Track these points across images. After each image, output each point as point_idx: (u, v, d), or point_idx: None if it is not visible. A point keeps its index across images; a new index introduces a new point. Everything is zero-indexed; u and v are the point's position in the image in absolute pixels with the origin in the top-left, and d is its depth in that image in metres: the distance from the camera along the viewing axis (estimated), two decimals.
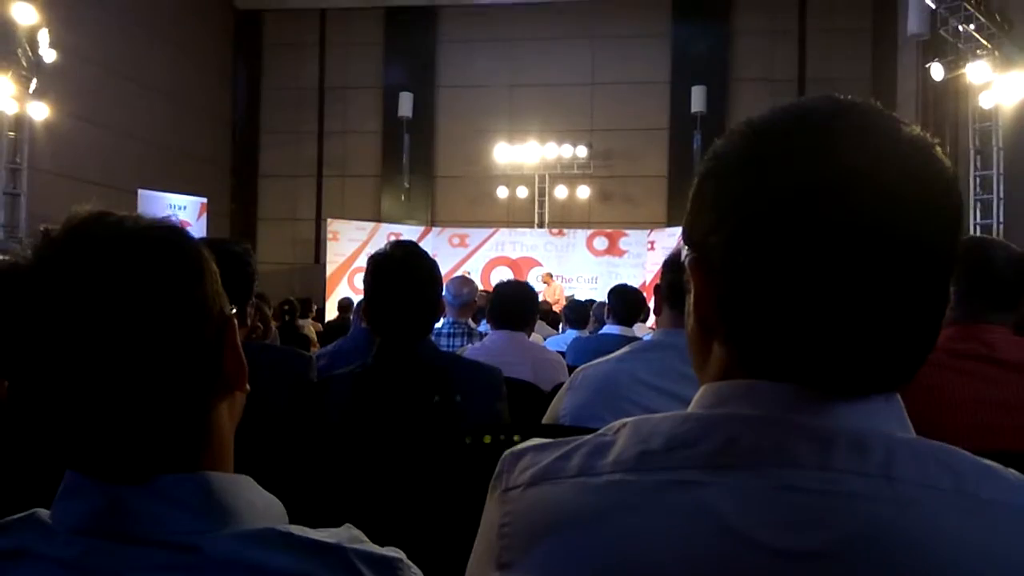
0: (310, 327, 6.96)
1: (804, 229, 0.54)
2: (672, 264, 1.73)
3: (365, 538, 0.69)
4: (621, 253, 12.58)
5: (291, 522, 0.69)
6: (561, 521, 0.57)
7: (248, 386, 0.70)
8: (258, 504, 0.65)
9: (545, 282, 11.77)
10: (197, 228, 11.23)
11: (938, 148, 0.57)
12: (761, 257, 0.56)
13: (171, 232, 0.66)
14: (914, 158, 0.56)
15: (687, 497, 0.55)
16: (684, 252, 0.65)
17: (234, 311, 0.70)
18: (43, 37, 8.29)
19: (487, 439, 1.43)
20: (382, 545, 0.69)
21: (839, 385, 0.56)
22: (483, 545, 0.64)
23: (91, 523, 0.61)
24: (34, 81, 8.44)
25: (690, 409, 0.62)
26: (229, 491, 0.64)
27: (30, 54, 8.33)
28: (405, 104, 13.28)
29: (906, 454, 0.54)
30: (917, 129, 0.58)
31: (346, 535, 0.67)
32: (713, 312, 0.61)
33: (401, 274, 1.74)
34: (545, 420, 1.82)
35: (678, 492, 0.55)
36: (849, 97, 0.59)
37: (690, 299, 0.64)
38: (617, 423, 0.63)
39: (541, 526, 0.58)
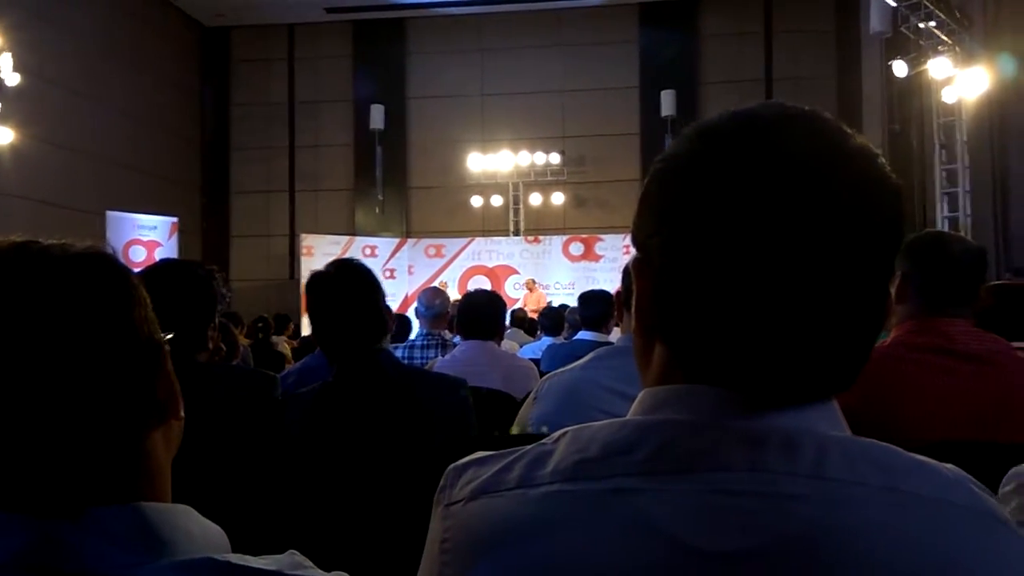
0: (284, 344, 6.90)
1: (740, 231, 0.54)
2: (629, 270, 1.73)
3: (309, 564, 0.67)
4: (597, 258, 12.63)
5: (250, 544, 0.68)
6: (500, 536, 0.57)
7: (183, 414, 0.69)
8: (196, 533, 0.64)
9: (529, 288, 11.81)
10: (168, 248, 11.12)
11: (882, 159, 0.57)
12: (696, 258, 0.56)
13: (99, 259, 0.65)
14: (857, 166, 0.56)
15: (623, 506, 0.54)
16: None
17: (168, 337, 0.69)
18: (5, 61, 8.20)
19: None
20: (343, 565, 0.68)
21: (773, 391, 0.56)
22: (427, 562, 0.63)
23: (20, 561, 0.59)
24: None
25: (629, 414, 0.62)
26: (165, 522, 0.62)
27: None
28: (376, 116, 13.25)
29: (836, 452, 0.54)
30: (862, 138, 0.58)
31: (287, 562, 0.65)
32: (652, 314, 0.61)
33: (336, 290, 1.73)
34: (513, 430, 1.81)
35: (614, 501, 0.55)
36: (800, 106, 0.59)
37: (633, 301, 0.64)
38: (559, 432, 0.62)
39: (481, 542, 0.58)
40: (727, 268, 0.54)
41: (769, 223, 0.53)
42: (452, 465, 0.64)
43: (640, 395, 0.63)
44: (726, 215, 0.54)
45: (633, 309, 0.64)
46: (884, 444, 0.55)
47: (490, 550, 0.56)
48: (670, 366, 0.60)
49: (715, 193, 0.55)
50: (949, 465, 0.56)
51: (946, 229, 8.04)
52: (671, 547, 0.52)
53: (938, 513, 0.52)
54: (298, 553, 0.68)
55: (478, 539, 0.58)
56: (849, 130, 0.58)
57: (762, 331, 0.54)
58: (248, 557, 0.64)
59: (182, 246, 11.52)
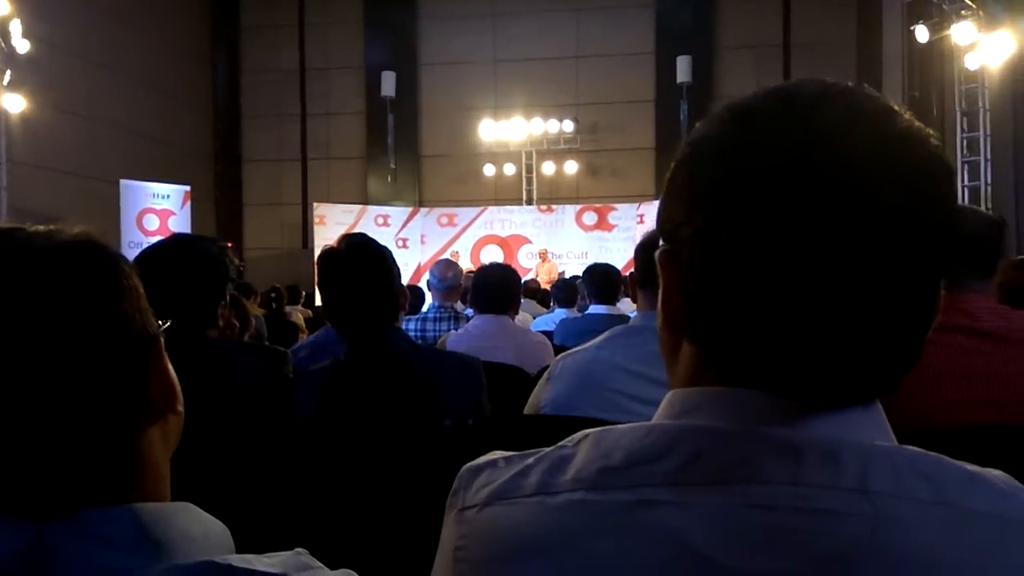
0: (298, 314, 6.90)
1: (782, 222, 0.49)
2: (645, 246, 1.70)
3: (316, 563, 0.65)
4: (611, 227, 12.55)
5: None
6: (518, 547, 0.54)
7: (181, 408, 0.66)
8: (195, 533, 0.61)
9: (542, 258, 11.78)
10: (181, 216, 11.12)
11: (933, 139, 0.52)
12: (733, 252, 0.51)
13: (87, 247, 0.62)
14: (907, 149, 0.51)
15: (650, 519, 0.51)
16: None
17: (164, 326, 0.66)
18: (15, 28, 8.14)
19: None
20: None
21: (815, 394, 0.52)
22: (441, 567, 0.61)
23: (11, 564, 0.56)
24: (8, 73, 8.30)
25: (656, 417, 0.59)
26: (161, 522, 0.60)
27: (3, 45, 8.18)
28: (388, 83, 13.13)
29: (882, 465, 0.50)
30: (910, 117, 0.53)
31: (293, 562, 0.63)
32: (682, 311, 0.56)
33: (347, 269, 1.70)
34: (527, 410, 1.79)
35: (640, 513, 0.51)
36: (842, 82, 0.54)
37: (660, 296, 0.60)
38: (579, 433, 0.59)
39: (499, 552, 0.55)
40: (768, 261, 0.50)
41: (814, 213, 0.49)
42: (465, 466, 0.62)
43: (668, 396, 0.59)
44: (764, 202, 0.50)
45: (660, 305, 0.60)
46: (932, 454, 0.52)
47: (509, 562, 0.54)
48: (702, 366, 0.56)
49: (755, 179, 0.50)
50: (998, 473, 0.52)
51: (966, 198, 7.92)
52: (701, 565, 0.49)
53: (993, 530, 0.49)
54: (305, 552, 0.66)
55: (496, 549, 0.55)
56: (896, 107, 0.53)
57: (806, 330, 0.50)
58: (251, 558, 0.61)
59: (195, 215, 11.52)
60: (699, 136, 0.56)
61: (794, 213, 0.49)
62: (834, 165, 0.49)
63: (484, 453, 0.63)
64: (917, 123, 0.53)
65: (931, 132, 0.53)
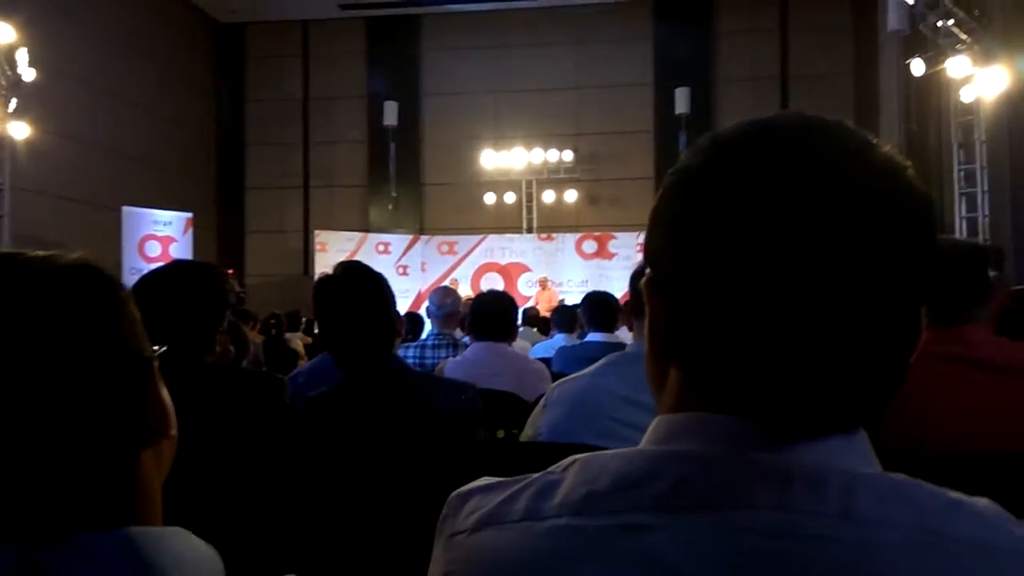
0: (298, 341, 6.88)
1: (758, 248, 0.50)
2: (636, 275, 1.71)
3: None
4: (611, 256, 12.57)
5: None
6: (505, 572, 0.54)
7: (174, 432, 0.67)
8: (187, 558, 0.62)
9: (542, 286, 11.78)
10: (183, 243, 11.15)
11: (910, 169, 0.54)
12: (713, 280, 0.52)
13: (84, 272, 0.63)
14: (884, 180, 0.52)
15: (634, 543, 0.51)
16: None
17: (160, 350, 0.66)
18: (22, 56, 8.22)
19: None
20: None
21: (798, 421, 0.53)
22: None
23: None
24: (14, 100, 8.38)
25: (643, 443, 0.59)
26: (155, 547, 0.60)
27: (9, 73, 8.27)
28: (390, 113, 13.24)
29: (866, 491, 0.50)
30: (888, 149, 0.54)
31: None
32: (666, 337, 0.58)
33: (343, 296, 1.70)
34: (523, 437, 1.79)
35: (625, 538, 0.52)
36: (821, 116, 0.56)
37: (646, 322, 0.61)
38: (568, 459, 0.60)
39: None
40: (744, 287, 0.51)
41: (788, 241, 0.50)
42: (455, 492, 0.62)
43: (654, 422, 0.59)
44: (742, 231, 0.51)
45: (646, 331, 0.61)
46: (915, 480, 0.52)
47: None
48: (687, 391, 0.57)
49: (731, 207, 0.52)
50: (984, 500, 0.53)
51: (964, 230, 7.94)
52: None
53: (976, 556, 0.49)
54: None
55: (483, 574, 0.55)
56: (874, 140, 0.55)
57: (786, 357, 0.51)
58: None
59: (197, 241, 11.55)
60: (682, 166, 0.57)
61: (772, 242, 0.50)
62: (813, 196, 0.51)
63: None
64: (895, 154, 0.54)
65: (908, 163, 0.54)
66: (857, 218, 0.50)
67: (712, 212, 0.53)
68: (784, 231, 0.50)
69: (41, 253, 0.63)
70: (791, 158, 0.52)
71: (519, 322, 5.04)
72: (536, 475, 0.59)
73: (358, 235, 13.02)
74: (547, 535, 0.54)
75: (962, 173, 8.24)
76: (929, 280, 0.54)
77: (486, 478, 0.62)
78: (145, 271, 1.80)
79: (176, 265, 1.87)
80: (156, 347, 0.66)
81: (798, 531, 0.49)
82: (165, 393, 0.66)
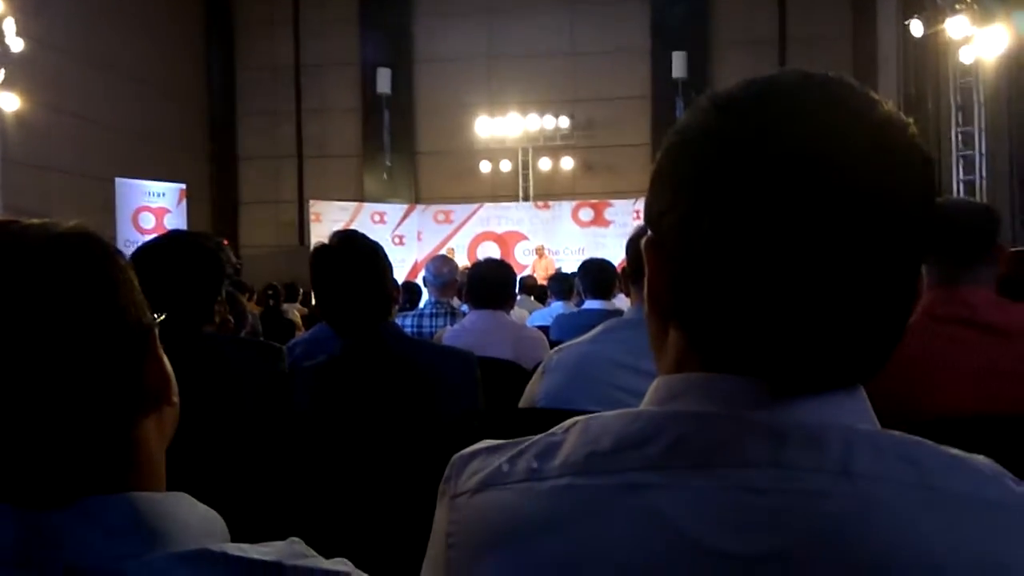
0: (295, 311, 6.91)
1: (762, 209, 0.50)
2: (634, 240, 1.71)
3: (311, 552, 0.66)
4: (607, 223, 12.56)
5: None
6: (507, 532, 0.55)
7: (176, 399, 0.67)
8: (191, 522, 0.62)
9: (538, 254, 11.77)
10: (177, 214, 11.10)
11: (912, 127, 0.54)
12: (715, 238, 0.52)
13: (81, 239, 0.62)
14: (885, 136, 0.52)
15: (636, 502, 0.52)
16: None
17: (159, 319, 0.66)
18: (9, 26, 8.11)
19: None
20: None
21: (797, 379, 0.53)
22: (432, 554, 0.62)
23: (11, 551, 0.57)
24: (2, 71, 8.27)
25: (643, 404, 0.60)
26: (158, 511, 0.60)
27: None
28: (383, 80, 13.11)
29: (865, 447, 0.51)
30: (891, 106, 0.54)
31: (288, 551, 0.63)
32: (667, 297, 0.58)
33: (339, 265, 1.70)
34: (521, 404, 1.80)
35: (626, 496, 0.52)
36: (822, 72, 0.55)
37: (646, 283, 0.61)
38: (569, 421, 0.60)
39: (488, 537, 0.56)
40: (749, 247, 0.51)
41: (789, 199, 0.50)
42: (458, 454, 0.62)
43: (655, 383, 0.60)
44: (744, 190, 0.51)
45: (645, 292, 0.61)
46: (914, 437, 0.52)
47: (497, 546, 0.55)
48: (687, 352, 0.57)
49: (733, 166, 0.52)
50: (982, 458, 0.53)
51: (962, 192, 7.93)
52: (687, 546, 0.50)
53: (974, 512, 0.49)
54: (299, 541, 0.67)
55: (485, 534, 0.56)
56: (876, 96, 0.54)
57: (786, 315, 0.51)
58: (245, 546, 0.62)
59: (191, 213, 11.50)
60: (682, 125, 0.57)
61: (774, 199, 0.50)
62: (813, 152, 0.50)
63: None
64: (896, 112, 0.54)
65: (909, 120, 0.54)
66: (859, 174, 0.50)
67: (714, 171, 0.53)
68: (785, 187, 0.50)
69: (37, 221, 0.63)
70: (792, 115, 0.52)
71: (517, 290, 5.05)
72: (538, 437, 0.59)
73: (353, 205, 12.97)
74: (549, 495, 0.54)
75: (960, 135, 8.21)
76: (929, 236, 0.54)
77: (488, 440, 0.62)
78: (139, 242, 1.79)
79: (173, 235, 1.86)
80: (155, 315, 0.66)
81: (795, 487, 0.50)
82: (166, 360, 0.66)
